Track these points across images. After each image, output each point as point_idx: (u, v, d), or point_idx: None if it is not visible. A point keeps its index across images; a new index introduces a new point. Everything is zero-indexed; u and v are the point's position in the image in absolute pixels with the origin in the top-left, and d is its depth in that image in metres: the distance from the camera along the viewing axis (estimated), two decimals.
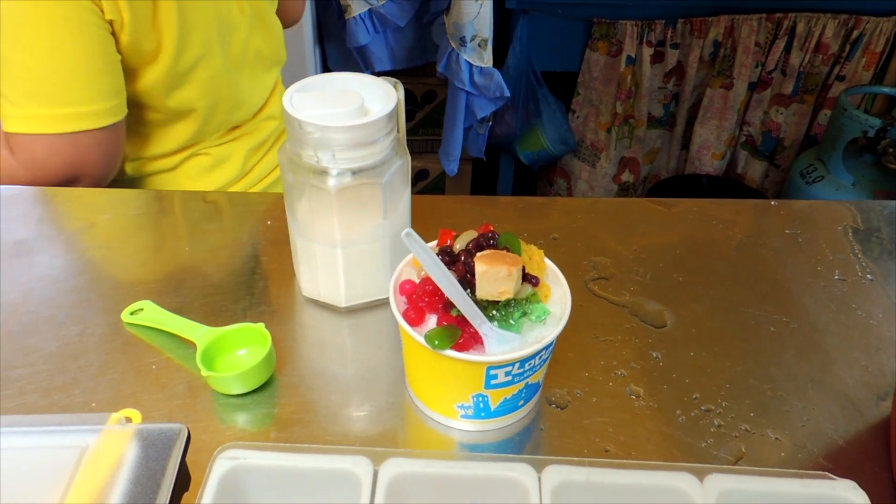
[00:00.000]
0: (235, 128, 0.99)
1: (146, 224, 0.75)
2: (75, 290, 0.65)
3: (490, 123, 1.83)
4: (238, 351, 0.58)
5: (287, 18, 1.10)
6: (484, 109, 1.73)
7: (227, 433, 0.52)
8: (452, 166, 1.83)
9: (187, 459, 0.46)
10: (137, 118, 0.88)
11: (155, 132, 0.91)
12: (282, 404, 0.55)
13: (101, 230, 0.73)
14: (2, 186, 0.78)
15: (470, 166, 2.18)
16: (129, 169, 0.93)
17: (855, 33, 1.81)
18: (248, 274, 0.68)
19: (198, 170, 0.96)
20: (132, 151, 0.92)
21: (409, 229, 0.45)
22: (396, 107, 0.56)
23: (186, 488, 0.46)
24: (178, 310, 0.62)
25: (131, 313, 0.61)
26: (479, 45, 1.62)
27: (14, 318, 0.62)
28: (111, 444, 0.44)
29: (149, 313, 0.61)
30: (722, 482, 0.42)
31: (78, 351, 0.59)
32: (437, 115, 2.11)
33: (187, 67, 0.86)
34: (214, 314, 0.62)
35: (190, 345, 0.58)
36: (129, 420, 0.48)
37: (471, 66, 1.65)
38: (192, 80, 0.88)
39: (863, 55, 1.83)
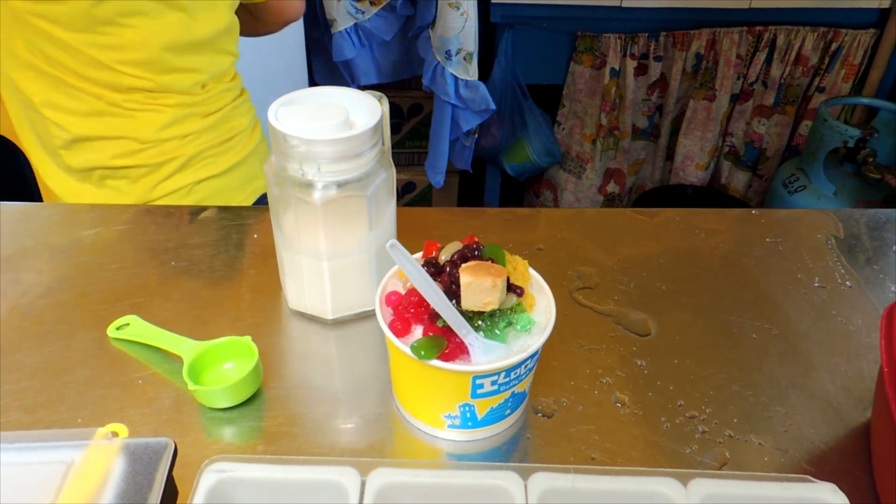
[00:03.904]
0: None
1: (132, 239, 0.75)
2: (61, 306, 0.65)
3: (476, 136, 1.84)
4: (225, 364, 0.58)
5: (280, 15, 1.04)
6: (470, 122, 1.74)
7: (214, 447, 0.52)
8: (439, 179, 1.83)
9: (175, 474, 0.46)
10: None
11: None
12: (269, 417, 0.55)
13: (87, 245, 0.73)
14: None
15: (457, 179, 2.19)
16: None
17: (834, 45, 1.84)
18: (235, 287, 0.68)
19: None
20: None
21: (393, 240, 0.45)
22: (381, 120, 0.57)
23: (174, 502, 0.46)
24: (165, 324, 0.62)
25: (117, 328, 0.61)
26: (465, 59, 1.63)
27: None
28: (97, 459, 0.44)
29: (135, 328, 0.61)
30: (705, 487, 0.43)
31: (63, 367, 0.58)
32: (424, 127, 2.12)
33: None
34: (201, 328, 0.62)
35: (176, 359, 0.58)
36: (115, 435, 0.47)
37: (456, 79, 1.66)
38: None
39: (842, 67, 1.86)
